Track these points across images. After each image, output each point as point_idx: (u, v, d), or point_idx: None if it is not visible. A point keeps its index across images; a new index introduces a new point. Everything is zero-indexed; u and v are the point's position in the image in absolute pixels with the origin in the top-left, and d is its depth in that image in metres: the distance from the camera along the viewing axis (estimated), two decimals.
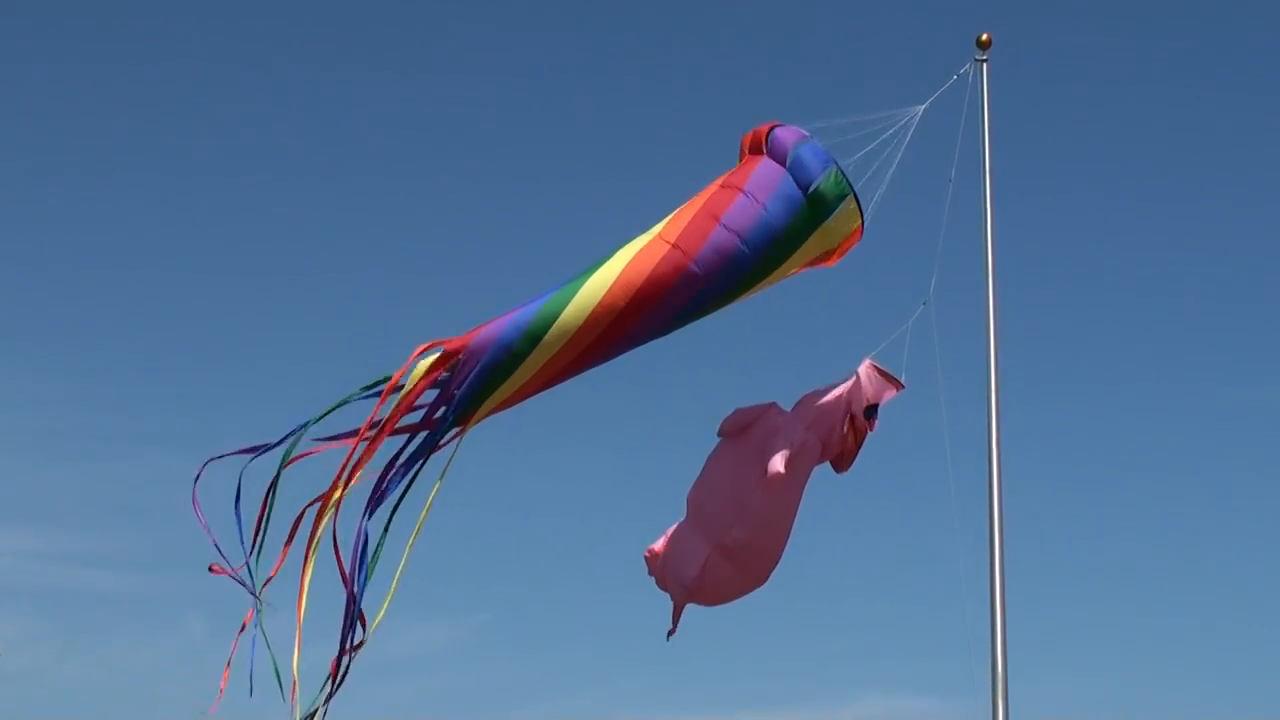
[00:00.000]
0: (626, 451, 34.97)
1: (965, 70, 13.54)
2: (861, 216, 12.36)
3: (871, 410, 12.72)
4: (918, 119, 12.97)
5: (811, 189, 12.17)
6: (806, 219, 12.28)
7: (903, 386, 12.79)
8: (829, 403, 12.80)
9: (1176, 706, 30.44)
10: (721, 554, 12.70)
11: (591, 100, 40.43)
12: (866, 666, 31.88)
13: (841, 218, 12.34)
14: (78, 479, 36.56)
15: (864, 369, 12.84)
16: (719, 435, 12.97)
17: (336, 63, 40.78)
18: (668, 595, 13.02)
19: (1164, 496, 34.82)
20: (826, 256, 12.61)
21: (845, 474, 12.93)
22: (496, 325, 12.05)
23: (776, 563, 12.90)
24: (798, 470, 12.66)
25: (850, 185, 12.29)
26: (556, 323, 11.96)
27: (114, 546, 35.56)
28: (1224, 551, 33.38)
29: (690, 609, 13.03)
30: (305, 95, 40.67)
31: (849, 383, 12.81)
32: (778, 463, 12.45)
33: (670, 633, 13.09)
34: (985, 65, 13.61)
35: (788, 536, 12.84)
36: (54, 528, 35.69)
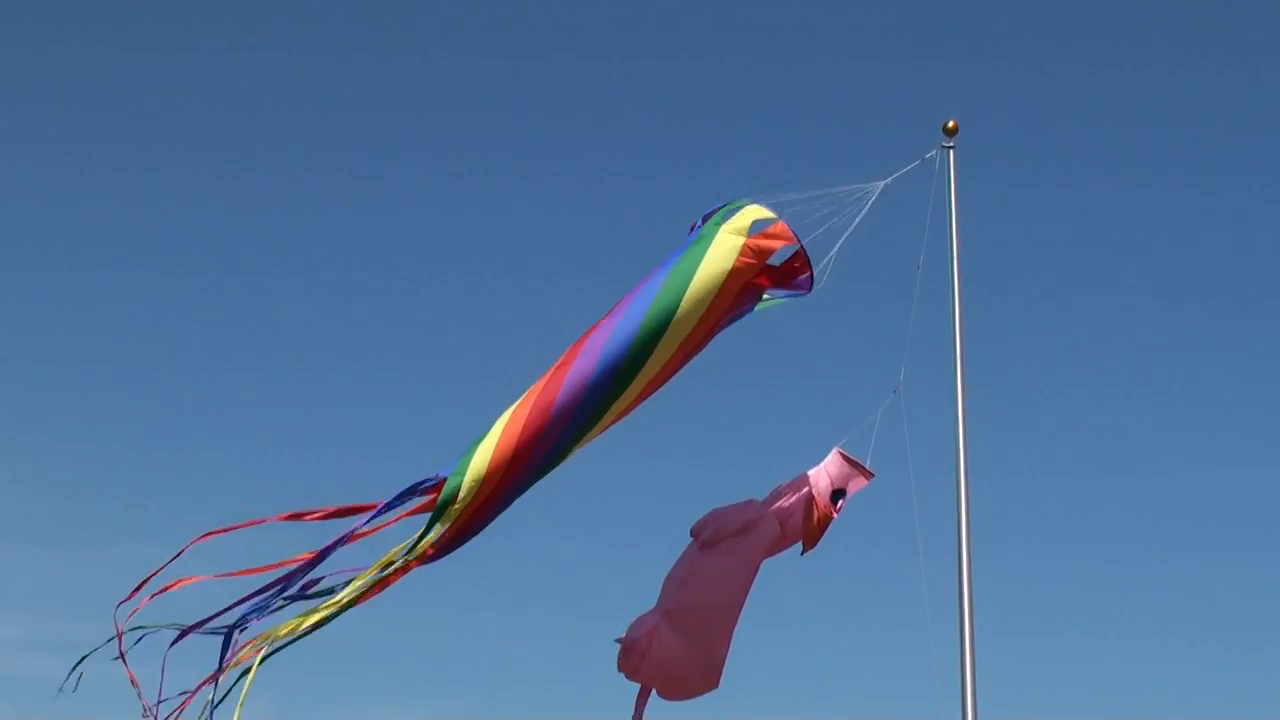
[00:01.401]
0: (601, 541, 34.89)
1: (931, 156, 13.58)
2: (788, 230, 12.38)
3: (838, 494, 12.69)
4: (877, 194, 13.01)
5: (699, 225, 12.48)
6: (699, 243, 12.36)
7: (871, 476, 12.79)
8: (791, 487, 12.84)
9: None
10: (668, 621, 12.68)
11: (554, 169, 40.55)
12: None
13: (742, 216, 12.38)
14: (48, 566, 36.36)
15: (832, 456, 12.84)
16: (691, 535, 12.96)
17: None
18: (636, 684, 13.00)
19: (1135, 586, 34.81)
20: (751, 262, 12.37)
21: (810, 556, 12.91)
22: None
23: (724, 644, 12.81)
24: (751, 543, 12.68)
25: (744, 201, 12.44)
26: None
27: (92, 634, 35.30)
28: (1210, 640, 33.35)
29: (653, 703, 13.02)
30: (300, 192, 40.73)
31: (813, 470, 12.84)
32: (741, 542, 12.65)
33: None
34: (952, 152, 13.65)
35: (735, 611, 12.74)
36: (32, 616, 35.46)
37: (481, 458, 12.00)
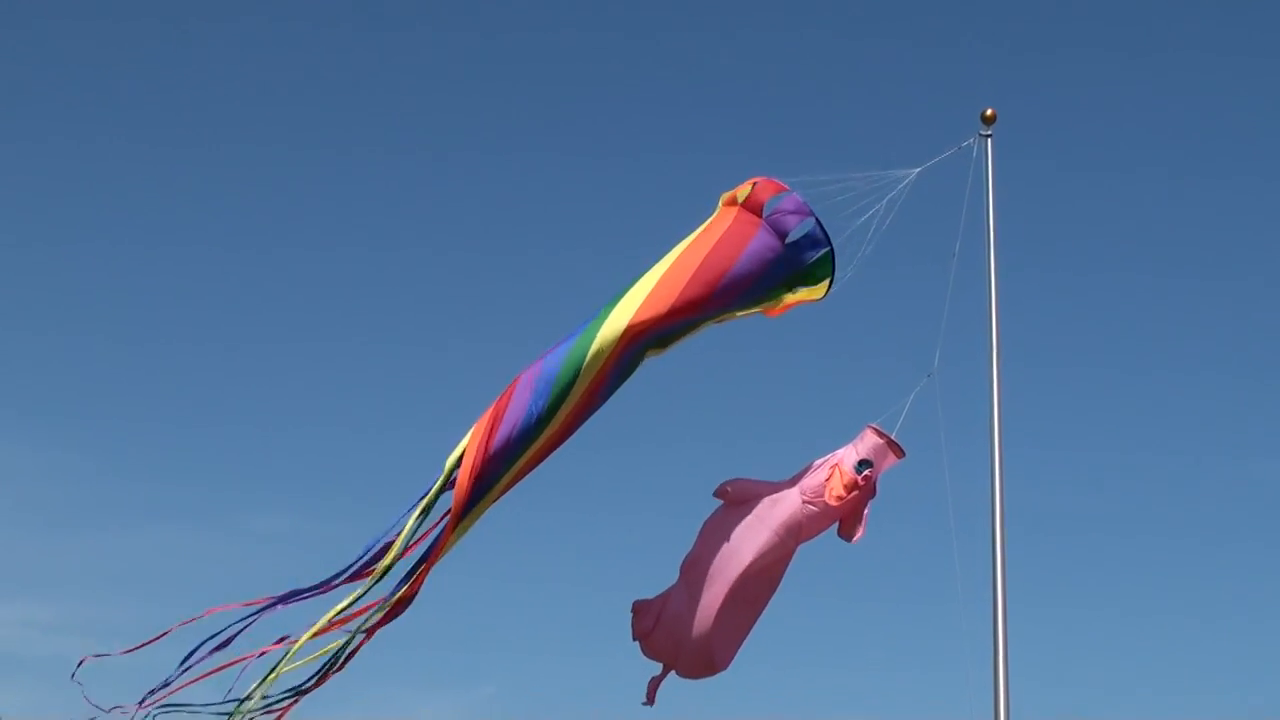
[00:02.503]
0: (636, 521, 34.92)
1: (969, 143, 13.66)
2: (828, 291, 12.79)
3: (863, 464, 12.70)
4: (912, 179, 13.11)
5: (798, 270, 12.68)
6: (779, 289, 12.80)
7: (903, 454, 12.83)
8: (821, 463, 12.93)
9: None
10: (681, 578, 12.85)
11: (591, 148, 40.56)
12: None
13: (807, 291, 12.83)
14: (83, 549, 36.52)
15: (864, 432, 12.89)
16: (715, 496, 13.06)
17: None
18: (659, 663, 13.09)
19: (1167, 564, 34.76)
20: (772, 310, 13.00)
21: (854, 544, 12.91)
22: (503, 431, 12.26)
23: (733, 610, 12.81)
24: (771, 507, 12.76)
25: (833, 269, 12.68)
26: (563, 404, 12.29)
27: (115, 617, 35.47)
28: (1232, 615, 33.29)
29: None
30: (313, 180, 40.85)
31: (843, 448, 12.90)
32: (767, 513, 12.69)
33: (647, 701, 13.10)
34: (990, 140, 13.73)
35: (742, 572, 12.75)
36: (59, 598, 35.62)
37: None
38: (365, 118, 40.58)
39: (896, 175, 13.12)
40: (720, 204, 12.98)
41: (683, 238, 12.80)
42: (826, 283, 12.76)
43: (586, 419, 12.57)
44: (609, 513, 35.35)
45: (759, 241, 12.58)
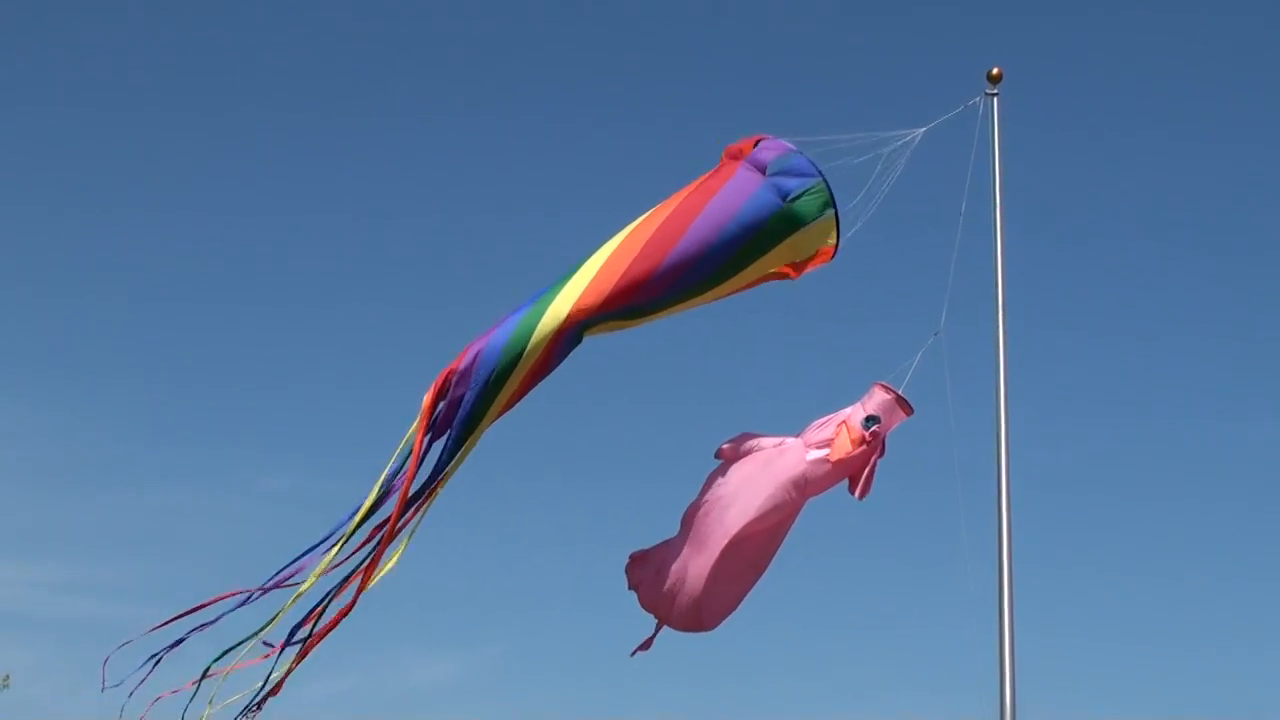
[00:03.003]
0: (642, 483, 35.02)
1: (975, 102, 13.65)
2: (838, 235, 12.53)
3: (871, 420, 12.72)
4: (917, 139, 13.10)
5: (791, 198, 12.40)
6: (779, 227, 12.45)
7: (911, 411, 12.85)
8: (826, 420, 12.95)
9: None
10: (680, 532, 12.88)
11: (593, 106, 40.62)
12: (878, 694, 31.84)
13: (816, 230, 12.52)
14: (92, 510, 36.63)
15: (871, 390, 12.91)
16: (716, 458, 13.09)
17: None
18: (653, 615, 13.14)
19: (1172, 523, 34.88)
20: (792, 268, 12.74)
21: (862, 500, 12.90)
22: (478, 346, 12.13)
23: (729, 561, 12.73)
24: (776, 456, 12.78)
25: (833, 200, 12.47)
26: (535, 331, 12.08)
27: (127, 577, 35.61)
28: (1233, 578, 33.39)
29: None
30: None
31: (850, 406, 12.91)
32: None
33: (642, 648, 13.15)
34: (996, 99, 13.71)
35: (741, 521, 12.69)
36: (68, 559, 35.74)
37: (549, 323, 12.09)
38: (371, 83, 40.57)
39: (902, 134, 13.12)
40: (723, 157, 12.87)
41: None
42: (833, 219, 12.55)
43: (531, 388, 12.39)
44: (614, 473, 35.46)
45: (738, 179, 12.50)
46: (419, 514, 12.04)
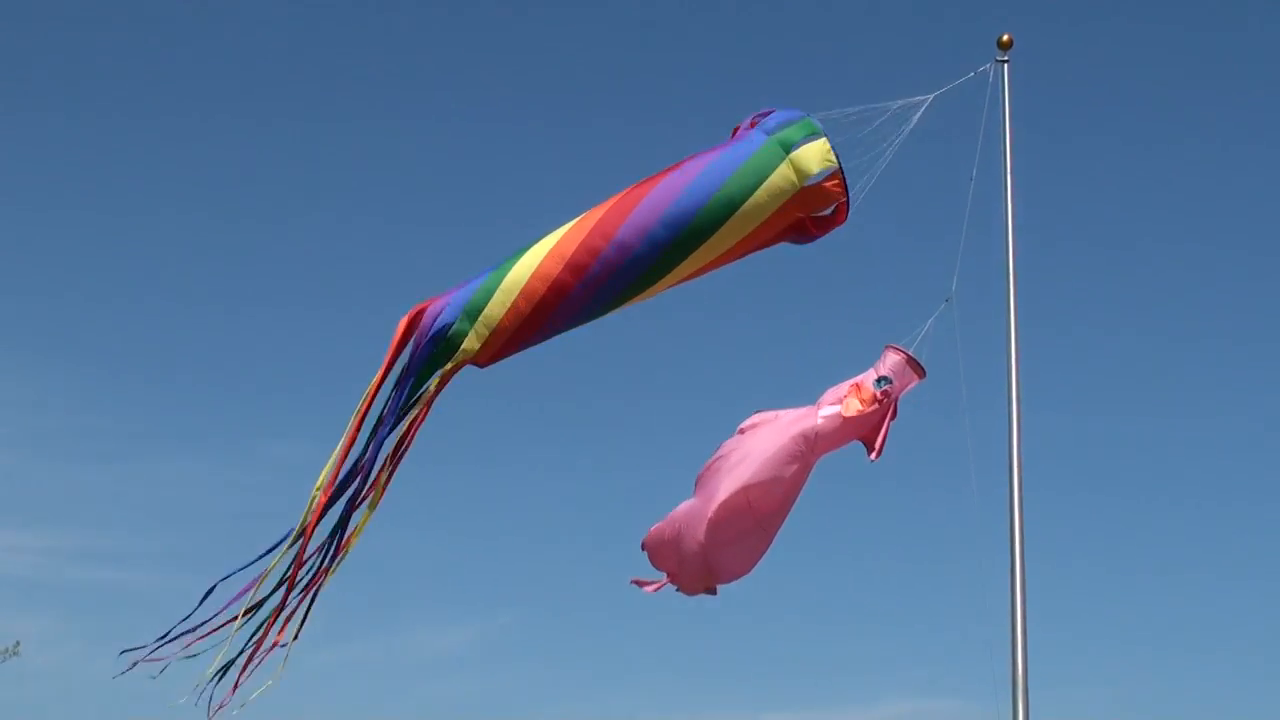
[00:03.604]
0: (653, 451, 35.05)
1: (985, 69, 13.63)
2: (842, 176, 12.34)
3: (882, 381, 12.76)
4: (928, 104, 13.08)
5: (774, 130, 12.36)
6: (767, 158, 12.29)
7: (924, 374, 12.89)
8: (839, 385, 13.00)
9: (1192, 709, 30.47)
10: (694, 492, 12.92)
11: (601, 77, 40.60)
12: (889, 669, 31.93)
13: (810, 153, 12.31)
14: (102, 479, 36.71)
15: (884, 353, 12.95)
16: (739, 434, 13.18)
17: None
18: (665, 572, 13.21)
19: (1181, 496, 34.90)
20: (802, 207, 12.44)
21: (859, 458, 12.94)
22: (444, 298, 12.15)
23: (739, 517, 12.78)
24: (791, 419, 12.81)
25: (821, 130, 12.33)
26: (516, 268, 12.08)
27: (137, 546, 35.71)
28: (1245, 557, 33.40)
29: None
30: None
31: (863, 373, 12.96)
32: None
33: (638, 582, 13.22)
34: (1006, 66, 13.69)
35: (752, 475, 12.76)
36: (78, 527, 35.84)
37: (512, 282, 12.02)
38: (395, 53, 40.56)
39: (912, 101, 13.10)
40: (785, 160, 12.38)
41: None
42: (825, 142, 12.33)
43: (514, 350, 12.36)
44: (626, 444, 35.49)
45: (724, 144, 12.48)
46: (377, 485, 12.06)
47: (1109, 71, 38.80)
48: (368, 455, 11.93)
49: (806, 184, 12.33)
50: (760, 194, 12.28)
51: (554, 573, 34.49)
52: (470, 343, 12.09)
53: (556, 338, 12.45)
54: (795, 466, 12.80)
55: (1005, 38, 13.77)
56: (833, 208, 12.50)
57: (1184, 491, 34.87)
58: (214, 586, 11.78)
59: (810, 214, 12.49)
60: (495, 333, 12.09)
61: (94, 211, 41.09)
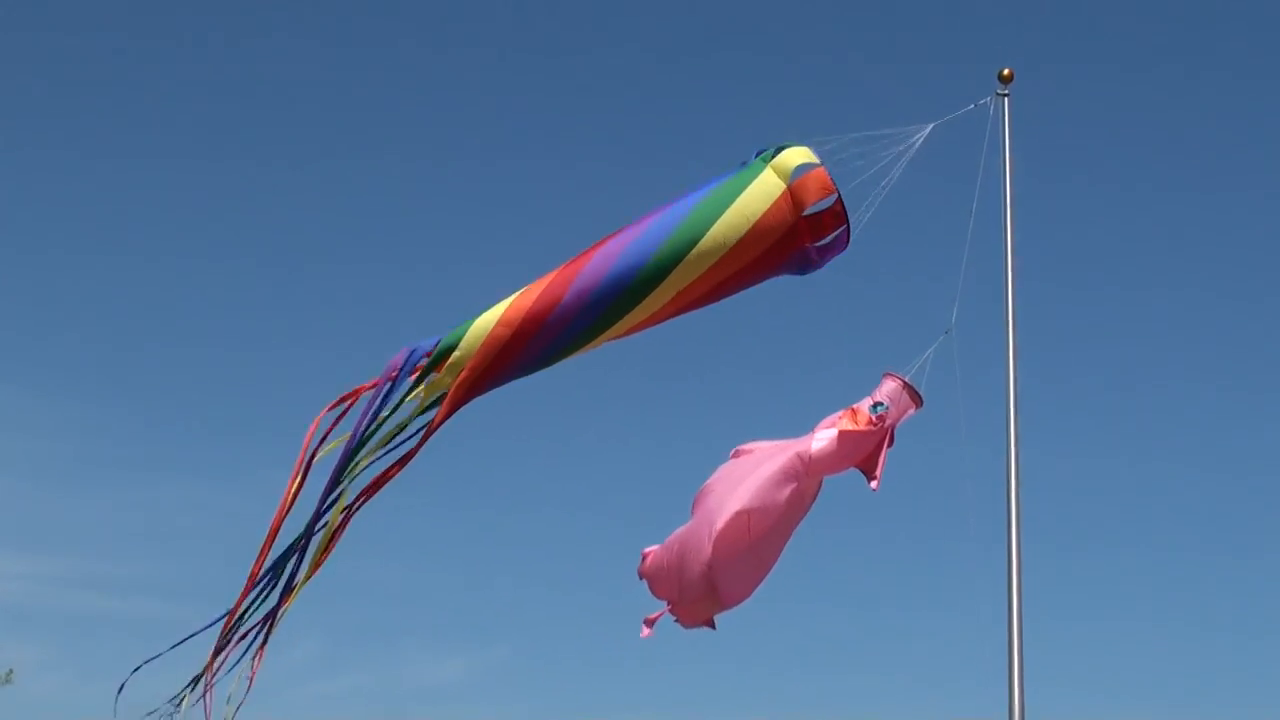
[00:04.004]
0: (651, 485, 35.04)
1: (985, 102, 13.68)
2: (839, 195, 12.32)
3: (878, 406, 12.77)
4: (926, 135, 13.11)
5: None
6: (748, 169, 12.36)
7: (921, 402, 12.91)
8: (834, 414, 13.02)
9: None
10: (692, 517, 12.89)
11: (608, 100, 40.72)
12: (881, 704, 31.88)
13: (791, 153, 12.34)
14: (98, 505, 36.66)
15: (882, 380, 12.96)
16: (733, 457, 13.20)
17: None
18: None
19: (1179, 518, 34.95)
20: (785, 215, 12.33)
21: (856, 482, 12.93)
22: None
23: (731, 545, 12.70)
24: (782, 447, 12.82)
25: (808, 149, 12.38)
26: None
27: (135, 573, 35.64)
28: (1242, 597, 33.40)
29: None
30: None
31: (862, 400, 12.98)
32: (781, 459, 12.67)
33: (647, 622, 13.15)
34: (1006, 99, 13.74)
35: (738, 499, 12.70)
36: (75, 553, 35.77)
37: (480, 328, 12.07)
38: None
39: (912, 130, 13.13)
40: (766, 167, 12.43)
41: (734, 191, 12.39)
42: (802, 148, 12.40)
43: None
44: (621, 475, 35.46)
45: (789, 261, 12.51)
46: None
47: (1109, 107, 38.91)
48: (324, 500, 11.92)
49: (806, 214, 12.34)
50: (744, 200, 12.25)
51: (549, 605, 34.45)
52: (443, 378, 12.10)
53: (550, 369, 12.47)
54: (792, 488, 12.75)
55: (1006, 71, 13.84)
56: (834, 235, 12.50)
57: (1183, 524, 34.90)
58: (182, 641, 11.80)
59: (814, 243, 12.49)
60: (471, 365, 12.07)
61: (84, 233, 41.11)
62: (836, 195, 12.37)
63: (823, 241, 12.51)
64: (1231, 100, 38.87)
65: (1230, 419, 36.29)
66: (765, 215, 12.30)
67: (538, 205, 40.63)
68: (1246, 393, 36.31)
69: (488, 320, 12.10)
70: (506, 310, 12.12)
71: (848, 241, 12.51)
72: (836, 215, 12.43)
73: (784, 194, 12.31)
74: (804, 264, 12.62)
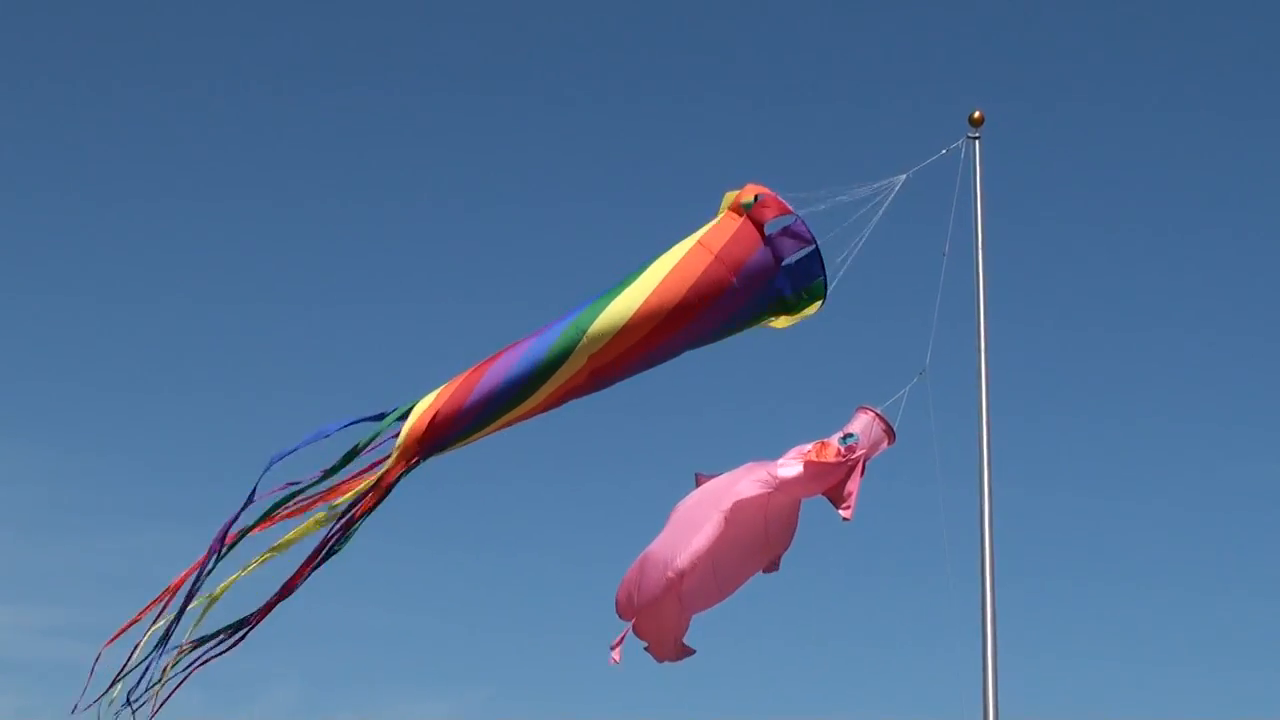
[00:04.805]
0: (630, 534, 35.07)
1: (956, 146, 13.82)
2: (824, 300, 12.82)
3: (848, 437, 12.89)
4: (899, 187, 13.27)
5: (793, 295, 12.79)
6: (775, 309, 12.89)
7: (894, 438, 13.05)
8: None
9: None
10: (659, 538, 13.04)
11: (573, 151, 40.89)
12: (857, 713, 31.93)
13: (805, 311, 12.94)
14: (77, 552, 36.60)
15: (855, 413, 13.10)
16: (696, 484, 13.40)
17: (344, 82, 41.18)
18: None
19: (1154, 555, 35.08)
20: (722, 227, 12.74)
21: (829, 525, 13.07)
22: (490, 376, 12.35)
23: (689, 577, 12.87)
24: (743, 474, 12.99)
25: (825, 291, 12.77)
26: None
27: (113, 620, 35.55)
28: (1221, 640, 33.52)
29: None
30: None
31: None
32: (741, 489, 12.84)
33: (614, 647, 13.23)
34: (978, 143, 13.89)
35: (698, 532, 12.88)
36: (53, 602, 35.69)
37: (417, 413, 12.31)
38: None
39: (885, 184, 13.27)
40: (724, 206, 12.82)
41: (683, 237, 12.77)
42: (819, 304, 12.87)
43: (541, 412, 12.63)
44: (601, 521, 35.54)
45: (754, 262, 12.66)
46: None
47: (1081, 148, 39.15)
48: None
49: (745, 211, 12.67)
50: (659, 261, 12.57)
51: (531, 648, 34.41)
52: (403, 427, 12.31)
53: (526, 422, 12.65)
54: (759, 491, 12.89)
55: (977, 114, 13.96)
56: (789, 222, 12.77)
57: (1159, 562, 35.03)
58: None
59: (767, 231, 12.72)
60: (426, 415, 12.28)
61: (74, 276, 41.10)
62: (795, 216, 12.70)
63: (773, 223, 12.74)
64: (1204, 140, 39.15)
65: (1207, 457, 36.46)
66: (687, 257, 12.58)
67: (502, 249, 40.72)
68: (1223, 429, 36.47)
69: (418, 412, 12.33)
70: (435, 399, 12.35)
71: (807, 233, 12.75)
72: (774, 206, 12.73)
73: (737, 215, 12.65)
74: (770, 269, 12.79)
